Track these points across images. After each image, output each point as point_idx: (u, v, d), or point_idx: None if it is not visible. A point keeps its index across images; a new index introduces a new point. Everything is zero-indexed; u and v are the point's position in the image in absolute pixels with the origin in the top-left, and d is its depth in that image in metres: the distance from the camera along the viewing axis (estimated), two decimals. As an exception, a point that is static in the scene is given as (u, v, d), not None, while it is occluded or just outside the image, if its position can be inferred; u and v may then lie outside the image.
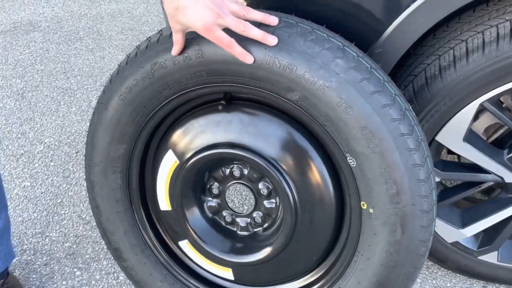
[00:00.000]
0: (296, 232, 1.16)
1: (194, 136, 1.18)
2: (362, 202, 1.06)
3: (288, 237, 1.16)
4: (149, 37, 1.12)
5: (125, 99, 1.15)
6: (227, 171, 1.21)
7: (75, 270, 1.66)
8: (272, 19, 0.98)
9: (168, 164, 1.22)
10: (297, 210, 1.13)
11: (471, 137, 1.29)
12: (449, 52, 1.18)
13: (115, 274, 1.64)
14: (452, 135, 1.25)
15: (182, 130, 1.20)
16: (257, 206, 1.22)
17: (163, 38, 1.08)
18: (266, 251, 1.20)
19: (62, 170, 2.13)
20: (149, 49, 1.10)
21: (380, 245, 1.06)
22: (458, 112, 1.21)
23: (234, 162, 1.19)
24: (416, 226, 1.03)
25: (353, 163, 1.03)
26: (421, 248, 1.05)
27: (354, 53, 0.99)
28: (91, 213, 1.92)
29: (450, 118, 1.23)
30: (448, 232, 1.45)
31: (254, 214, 1.23)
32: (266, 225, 1.23)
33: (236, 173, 1.21)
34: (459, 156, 1.44)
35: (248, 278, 1.29)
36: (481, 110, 1.30)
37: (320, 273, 1.22)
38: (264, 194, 1.20)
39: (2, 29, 3.53)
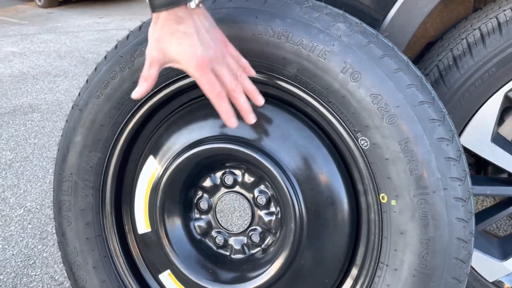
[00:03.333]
0: (302, 246, 0.93)
1: (178, 135, 1.02)
2: (381, 195, 0.86)
3: (293, 253, 0.93)
4: (130, 31, 1.03)
5: (101, 95, 1.02)
6: (218, 178, 1.03)
7: (37, 335, 1.37)
8: (259, 100, 0.87)
9: (148, 173, 1.04)
10: (302, 216, 0.92)
11: (500, 138, 1.12)
12: (462, 42, 1.07)
13: None
14: (478, 136, 1.09)
15: (164, 130, 1.04)
16: (253, 220, 1.01)
17: (145, 26, 0.99)
18: (267, 275, 0.95)
19: (39, 232, 1.91)
20: (129, 38, 1.00)
21: (409, 248, 0.83)
22: (481, 106, 1.06)
23: (226, 165, 1.01)
24: (452, 218, 0.82)
25: (366, 143, 0.86)
26: (461, 250, 0.83)
27: (357, 20, 0.88)
28: (66, 274, 1.67)
29: (473, 115, 1.08)
30: (487, 267, 1.20)
31: (251, 231, 1.01)
32: (264, 244, 1.01)
33: (229, 180, 1.02)
34: (485, 170, 1.25)
35: (245, 318, 1.02)
36: (507, 109, 1.16)
37: (336, 304, 0.96)
38: (262, 203, 1.00)
39: (1, 111, 3.53)
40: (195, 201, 1.05)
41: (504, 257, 1.19)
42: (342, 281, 0.95)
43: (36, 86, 4.07)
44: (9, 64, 4.70)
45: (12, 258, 1.75)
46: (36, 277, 1.64)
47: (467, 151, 1.12)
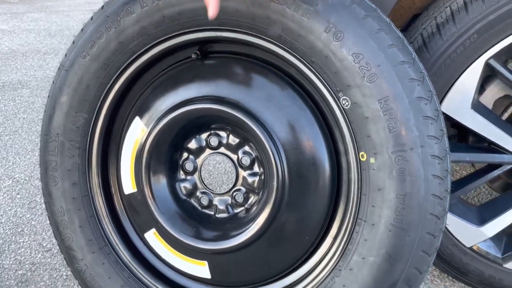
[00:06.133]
0: (284, 204, 0.95)
1: (164, 96, 1.03)
2: (361, 153, 0.89)
3: (274, 211, 0.95)
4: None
5: (87, 55, 1.02)
6: (203, 139, 1.04)
7: (25, 298, 1.39)
8: (212, 11, 0.80)
9: (134, 134, 1.05)
10: (284, 176, 0.94)
11: (480, 106, 1.15)
12: (446, 9, 1.09)
13: (72, 302, 1.36)
14: (458, 102, 1.11)
15: (151, 92, 1.05)
16: (237, 180, 1.03)
17: (133, -14, 0.99)
18: (249, 233, 0.98)
19: (28, 202, 1.92)
20: (116, -2, 1.00)
21: (386, 204, 0.86)
22: (463, 73, 1.08)
23: (211, 127, 1.03)
24: (428, 175, 0.84)
25: (347, 103, 0.88)
26: (437, 206, 0.85)
27: (340, -19, 0.89)
28: (54, 241, 1.68)
29: (455, 81, 1.10)
30: (466, 233, 1.23)
31: (235, 192, 1.03)
32: (248, 204, 1.03)
33: (214, 141, 1.04)
34: (466, 141, 1.28)
35: (228, 275, 1.05)
36: (487, 79, 1.18)
37: (316, 261, 0.99)
38: (246, 164, 1.02)
39: (-10, 87, 3.50)
40: (180, 163, 1.07)
41: (481, 223, 1.23)
42: (322, 238, 0.98)
43: (25, 63, 4.03)
44: (-2, 41, 4.64)
45: (0, 226, 1.76)
46: (24, 243, 1.65)
47: (448, 119, 1.14)
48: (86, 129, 1.07)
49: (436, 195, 0.85)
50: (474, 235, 1.23)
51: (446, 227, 1.22)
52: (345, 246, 0.92)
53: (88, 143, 1.09)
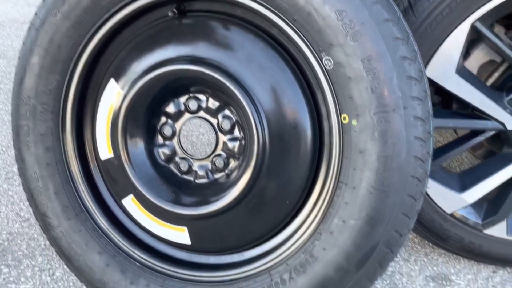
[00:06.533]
0: (264, 169, 0.93)
1: (141, 57, 0.98)
2: (343, 116, 0.87)
3: (254, 175, 0.93)
4: None
5: (57, 13, 0.97)
6: (182, 103, 1.01)
7: (2, 267, 1.36)
8: None
9: (109, 98, 1.01)
10: (264, 139, 0.92)
11: (465, 70, 1.13)
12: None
13: (50, 271, 1.34)
14: (443, 67, 1.09)
15: (126, 53, 1.01)
16: (217, 145, 1.01)
17: None
18: (229, 198, 0.96)
19: (5, 173, 1.87)
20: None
21: (367, 166, 0.84)
22: (448, 36, 1.06)
23: (190, 90, 0.99)
24: (410, 137, 0.83)
25: (329, 63, 0.85)
26: (418, 169, 0.84)
27: None
28: (31, 211, 1.65)
29: (440, 45, 1.07)
30: (447, 200, 1.24)
31: (215, 157, 1.01)
32: (228, 169, 1.01)
33: (193, 105, 1.00)
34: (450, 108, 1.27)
35: (209, 241, 1.03)
36: (473, 43, 1.16)
37: (297, 225, 0.97)
38: (227, 128, 0.99)
39: (-35, 57, 3.38)
40: (158, 127, 1.04)
41: (462, 189, 1.23)
42: (304, 203, 0.96)
43: (2, 33, 3.88)
44: (-27, 9, 4.46)
45: (-24, 197, 1.72)
46: (1, 214, 1.61)
47: (431, 85, 1.12)
48: (59, 92, 1.03)
49: (417, 157, 0.84)
50: (455, 202, 1.23)
51: (427, 194, 1.22)
52: (326, 210, 0.91)
53: (61, 106, 1.04)
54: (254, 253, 1.01)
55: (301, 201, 0.96)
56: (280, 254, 0.97)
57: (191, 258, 1.06)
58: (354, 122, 0.85)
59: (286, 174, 0.94)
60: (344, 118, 0.86)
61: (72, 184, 1.07)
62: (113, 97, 1.01)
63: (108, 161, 1.05)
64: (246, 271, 0.99)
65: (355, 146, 0.85)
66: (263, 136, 0.92)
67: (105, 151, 1.04)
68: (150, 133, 1.03)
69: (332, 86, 0.86)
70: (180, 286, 1.02)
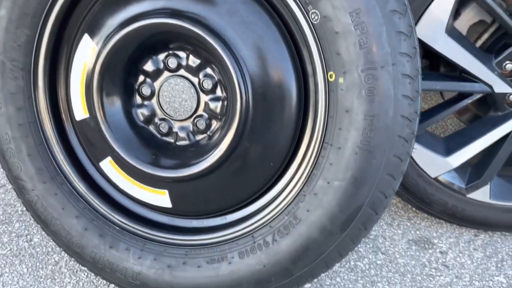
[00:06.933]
0: (247, 129, 0.90)
1: (116, 9, 0.92)
2: (329, 73, 0.83)
3: (237, 136, 0.90)
4: None
5: (25, -40, 0.90)
6: (160, 61, 0.96)
7: (-23, 233, 1.32)
8: None
9: (83, 54, 0.96)
10: (248, 98, 0.88)
11: (454, 31, 1.10)
12: None
13: (28, 237, 1.31)
14: (432, 27, 1.06)
15: (101, 5, 0.94)
16: (199, 106, 0.97)
17: None
18: (211, 160, 0.93)
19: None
20: None
21: (353, 125, 0.82)
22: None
23: (169, 46, 0.94)
24: (398, 95, 0.80)
25: (316, 17, 0.81)
26: (405, 128, 0.82)
27: None
28: (6, 178, 1.61)
29: (429, 4, 1.04)
30: (432, 164, 1.23)
31: (196, 118, 0.97)
32: (210, 131, 0.97)
33: (172, 63, 0.95)
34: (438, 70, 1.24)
35: (190, 204, 1.01)
36: (463, 3, 1.13)
37: (280, 188, 0.95)
38: (208, 87, 0.95)
39: None
40: (136, 87, 0.99)
41: (447, 153, 1.22)
42: (288, 165, 0.94)
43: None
44: None
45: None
46: (-24, 180, 1.56)
47: (421, 44, 1.09)
48: (29, 47, 0.97)
49: (405, 117, 0.81)
50: (440, 166, 1.22)
51: (411, 158, 1.21)
52: (310, 171, 0.89)
53: (32, 63, 0.98)
54: (237, 216, 0.99)
55: (285, 163, 0.94)
56: (263, 217, 0.95)
57: (172, 221, 1.04)
58: (341, 80, 0.82)
59: (270, 135, 0.91)
60: (331, 76, 0.83)
61: (46, 146, 1.02)
62: (88, 53, 0.95)
63: (84, 122, 1.00)
64: (229, 234, 0.97)
65: (341, 105, 0.82)
66: (247, 95, 0.88)
67: (80, 112, 0.99)
68: (127, 92, 0.99)
69: (319, 41, 0.82)
70: (161, 250, 1.00)
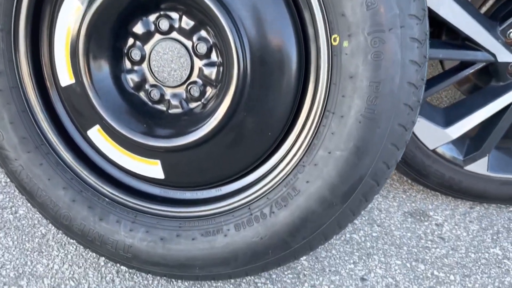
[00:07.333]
0: (245, 96, 0.85)
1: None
2: (333, 37, 0.78)
3: (234, 104, 0.85)
4: None
5: None
6: (151, 23, 0.90)
7: (-42, 206, 1.27)
8: None
9: (68, 14, 0.89)
10: (245, 63, 0.83)
11: (459, -4, 1.05)
12: None
13: (13, 209, 1.26)
14: (437, -9, 1.01)
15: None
16: (192, 72, 0.91)
17: None
18: (206, 129, 0.88)
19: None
20: None
21: (358, 92, 0.77)
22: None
23: (161, 7, 0.88)
24: (406, 60, 0.76)
25: (319, -25, 0.75)
26: (411, 96, 0.78)
27: None
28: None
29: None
30: (430, 135, 1.20)
31: (190, 84, 0.92)
32: (204, 98, 0.92)
33: (164, 25, 0.89)
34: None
35: (184, 175, 0.97)
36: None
37: (278, 158, 0.91)
38: (203, 51, 0.89)
39: None
40: (125, 50, 0.93)
41: (447, 124, 1.19)
42: (286, 135, 0.90)
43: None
44: None
45: None
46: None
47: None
48: (8, 5, 0.90)
49: (411, 83, 0.77)
50: (438, 137, 1.20)
51: (411, 129, 1.18)
52: (310, 141, 0.85)
53: (12, 24, 0.91)
54: (233, 188, 0.95)
55: (284, 132, 0.89)
56: (260, 188, 0.91)
57: (164, 193, 1.00)
58: (345, 44, 0.77)
59: (268, 103, 0.86)
60: (335, 39, 0.78)
61: (30, 114, 0.97)
62: (72, 13, 0.88)
63: (69, 88, 0.94)
64: (224, 206, 0.94)
65: (345, 71, 0.78)
66: (244, 60, 0.83)
67: (65, 77, 0.93)
68: (116, 57, 0.93)
69: (322, 2, 0.77)
70: (153, 222, 0.96)
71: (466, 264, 1.12)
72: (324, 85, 0.82)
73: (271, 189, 0.89)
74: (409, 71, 0.76)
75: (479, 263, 1.13)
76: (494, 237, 1.21)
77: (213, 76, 0.90)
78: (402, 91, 0.77)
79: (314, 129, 0.84)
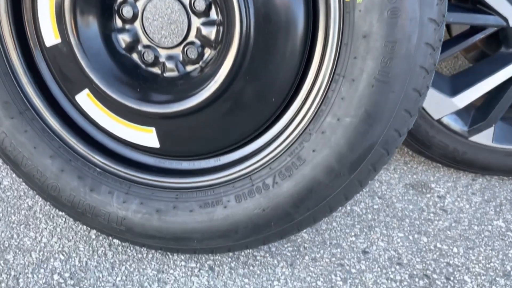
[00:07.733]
0: (247, 58, 0.79)
1: None
2: (344, -8, 0.72)
3: (235, 67, 0.79)
4: None
5: None
6: (144, -24, 0.82)
7: None
8: None
9: (52, -35, 0.81)
10: (249, 20, 0.76)
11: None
12: None
13: (-4, 180, 1.19)
14: None
15: None
16: (190, 31, 0.84)
17: None
18: (205, 94, 0.82)
19: None
20: None
21: (371, 53, 0.72)
22: None
23: (154, -42, 0.80)
24: (424, 18, 0.70)
25: None
26: (428, 58, 0.73)
27: None
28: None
29: None
30: (436, 104, 1.16)
31: (187, 46, 0.85)
32: (203, 61, 0.85)
33: (158, -21, 0.82)
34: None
35: (180, 143, 0.91)
36: None
37: (282, 126, 0.86)
38: (201, 9, 0.82)
39: None
40: (116, 7, 0.85)
41: (454, 93, 1.15)
42: (291, 100, 0.84)
43: None
44: None
45: None
46: None
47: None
48: (-16, -45, 0.81)
49: (429, 44, 0.71)
50: (445, 106, 1.15)
51: (417, 98, 1.13)
52: (317, 107, 0.79)
53: (-10, -24, 0.83)
54: (233, 157, 0.90)
55: (288, 98, 0.84)
56: (263, 158, 0.86)
57: (160, 163, 0.94)
58: (359, 0, 0.71)
59: (272, 65, 0.80)
60: (346, -5, 0.71)
61: (12, 76, 0.89)
62: (57, -36, 0.80)
63: (55, 48, 0.87)
64: (224, 177, 0.88)
65: (358, 30, 0.72)
66: (247, 18, 0.76)
67: (50, 36, 0.85)
68: (106, 14, 0.85)
69: (335, -48, 0.70)
70: (148, 193, 0.91)
71: (469, 237, 1.10)
72: (334, 46, 0.76)
73: (274, 158, 0.84)
74: (427, 30, 0.70)
75: (483, 235, 1.11)
76: (497, 209, 1.19)
77: (212, 36, 0.83)
78: (419, 52, 0.71)
79: (322, 94, 0.78)
